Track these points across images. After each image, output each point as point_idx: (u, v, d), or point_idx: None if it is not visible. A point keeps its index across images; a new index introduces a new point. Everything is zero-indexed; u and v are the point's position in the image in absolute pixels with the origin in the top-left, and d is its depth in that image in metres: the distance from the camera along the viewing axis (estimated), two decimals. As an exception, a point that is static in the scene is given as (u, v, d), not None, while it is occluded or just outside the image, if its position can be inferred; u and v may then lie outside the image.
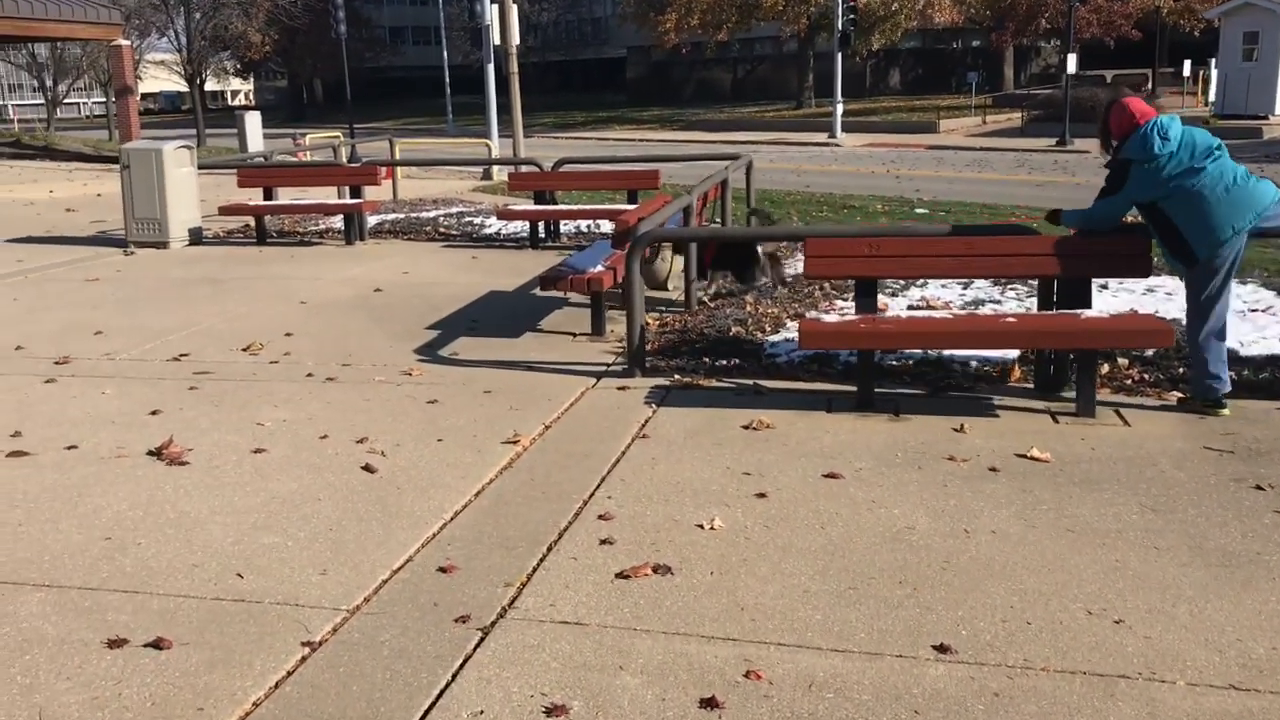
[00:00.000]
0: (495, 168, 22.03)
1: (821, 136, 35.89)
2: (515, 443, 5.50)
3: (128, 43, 27.09)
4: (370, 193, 14.16)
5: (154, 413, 6.14)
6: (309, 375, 6.97)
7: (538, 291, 9.66)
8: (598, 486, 4.88)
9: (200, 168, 13.25)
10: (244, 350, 7.67)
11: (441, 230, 13.74)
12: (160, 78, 55.28)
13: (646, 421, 5.84)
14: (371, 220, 13.67)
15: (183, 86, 48.45)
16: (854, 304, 6.25)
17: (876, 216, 14.92)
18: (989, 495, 4.71)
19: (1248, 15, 32.45)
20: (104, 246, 12.67)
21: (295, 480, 5.00)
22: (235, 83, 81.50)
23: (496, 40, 24.44)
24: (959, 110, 39.66)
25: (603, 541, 4.26)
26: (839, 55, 35.65)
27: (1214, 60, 37.97)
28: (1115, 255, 5.78)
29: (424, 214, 15.04)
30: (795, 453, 5.28)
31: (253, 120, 29.68)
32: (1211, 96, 37.65)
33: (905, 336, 5.74)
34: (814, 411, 5.94)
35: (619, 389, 6.51)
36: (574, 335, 7.97)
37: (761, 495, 4.72)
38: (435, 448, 5.44)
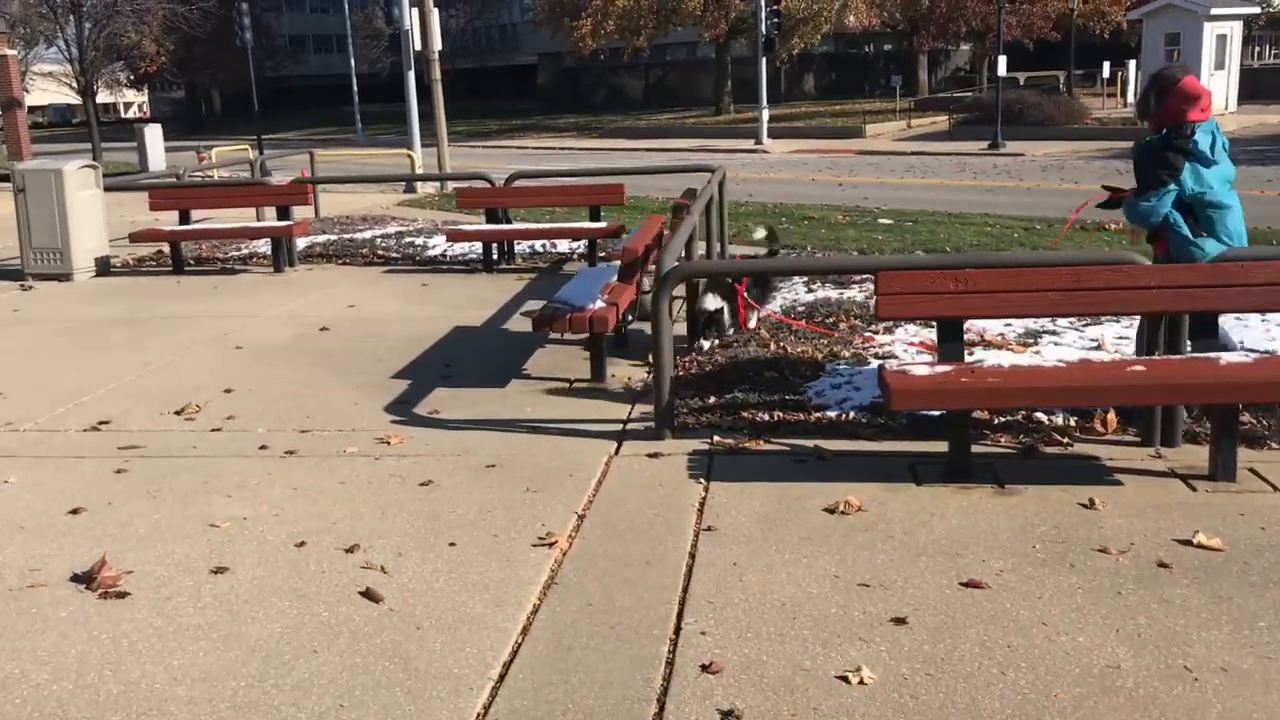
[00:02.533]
0: (421, 180, 20.59)
1: (747, 143, 35.07)
2: (549, 544, 4.33)
3: (13, 52, 25.13)
4: (295, 213, 12.78)
5: (75, 511, 4.83)
6: (262, 448, 5.71)
7: (510, 328, 8.48)
8: (680, 613, 3.75)
9: (105, 189, 11.76)
10: (177, 414, 6.36)
11: (380, 253, 12.44)
12: (49, 90, 52.47)
13: (703, 504, 4.72)
14: (300, 243, 12.31)
15: (73, 99, 45.87)
16: (937, 350, 5.21)
17: (843, 228, 13.99)
18: (1181, 607, 3.69)
19: (1169, 16, 32.50)
20: (-5, 281, 11.14)
21: (277, 619, 3.77)
22: (129, 94, 78.28)
23: (417, 46, 23.12)
24: (882, 114, 39.20)
25: (726, 716, 3.12)
26: (763, 60, 34.92)
27: (1134, 62, 38.20)
28: (1266, 286, 4.82)
29: (358, 235, 13.70)
30: (908, 548, 4.21)
31: (153, 134, 27.90)
32: (1131, 97, 37.81)
33: (1019, 394, 4.72)
34: (900, 484, 4.89)
35: (650, 456, 5.38)
36: (569, 383, 6.82)
37: (900, 621, 3.63)
38: (449, 557, 4.25)
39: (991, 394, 4.68)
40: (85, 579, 4.07)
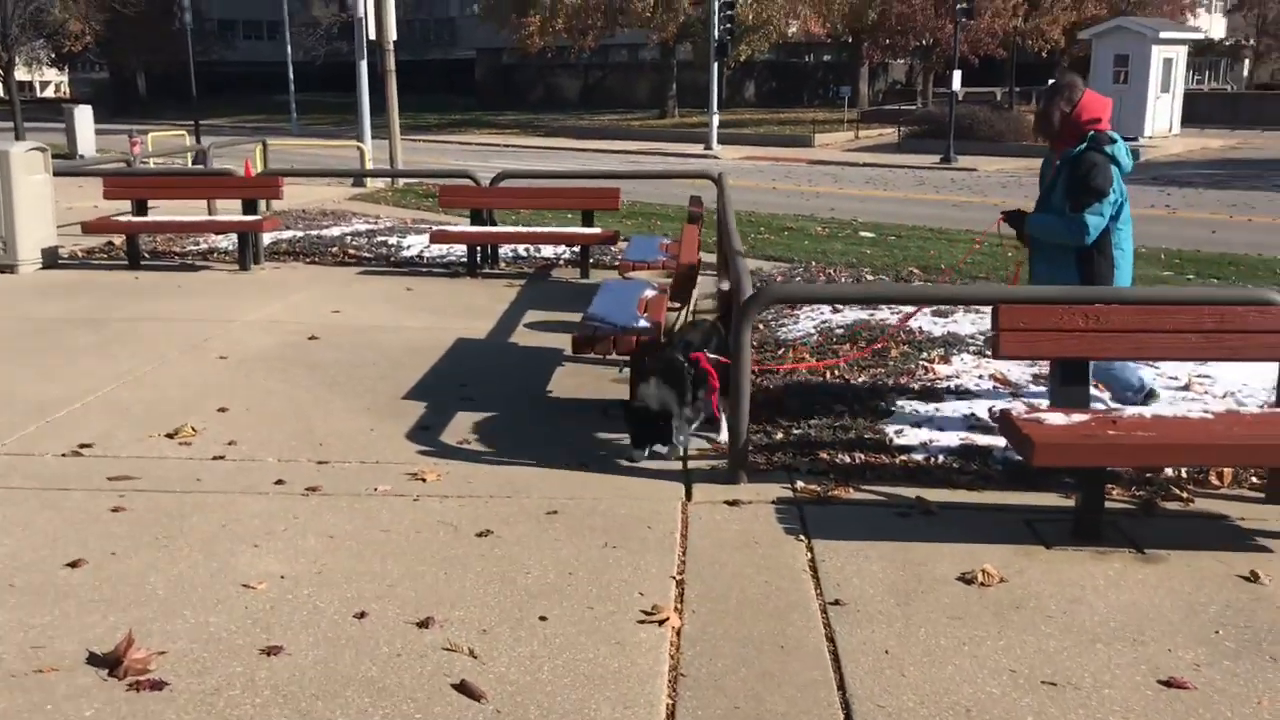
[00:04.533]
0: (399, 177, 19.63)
1: (697, 148, 34.57)
2: (659, 620, 3.68)
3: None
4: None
5: (74, 564, 4.06)
6: (279, 482, 4.97)
7: (519, 341, 7.79)
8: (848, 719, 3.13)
9: (55, 174, 10.78)
10: (170, 436, 5.58)
11: (351, 252, 11.62)
12: (-41, 67, 49.92)
13: (814, 568, 4.11)
14: (265, 239, 11.44)
15: (-12, 76, 43.72)
16: (1056, 393, 4.66)
17: (826, 241, 13.51)
18: None
19: (1118, 38, 32.70)
20: (-71, 270, 10.12)
21: (360, 721, 3.08)
22: (49, 73, 75.38)
23: (371, 35, 22.18)
24: (829, 124, 38.97)
25: None
26: (715, 65, 34.47)
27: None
28: None
29: (325, 231, 12.83)
30: (1076, 633, 3.64)
31: (83, 115, 26.57)
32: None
33: (1177, 451, 4.19)
34: (1027, 546, 4.33)
35: (729, 504, 4.75)
36: (605, 409, 6.16)
37: (1115, 733, 3.06)
38: (544, 636, 3.58)
39: (1145, 450, 4.14)
40: (108, 662, 3.32)
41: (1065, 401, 4.59)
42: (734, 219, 7.29)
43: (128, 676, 3.24)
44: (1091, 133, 5.22)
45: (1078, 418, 4.36)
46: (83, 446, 5.38)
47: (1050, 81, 5.78)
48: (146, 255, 11.15)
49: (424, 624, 3.62)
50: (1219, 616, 3.78)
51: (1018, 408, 4.66)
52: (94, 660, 3.35)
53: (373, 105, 22.91)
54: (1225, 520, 4.65)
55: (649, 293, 6.86)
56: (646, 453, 5.27)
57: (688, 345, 5.62)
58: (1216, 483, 5.02)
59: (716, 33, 33.66)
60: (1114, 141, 5.22)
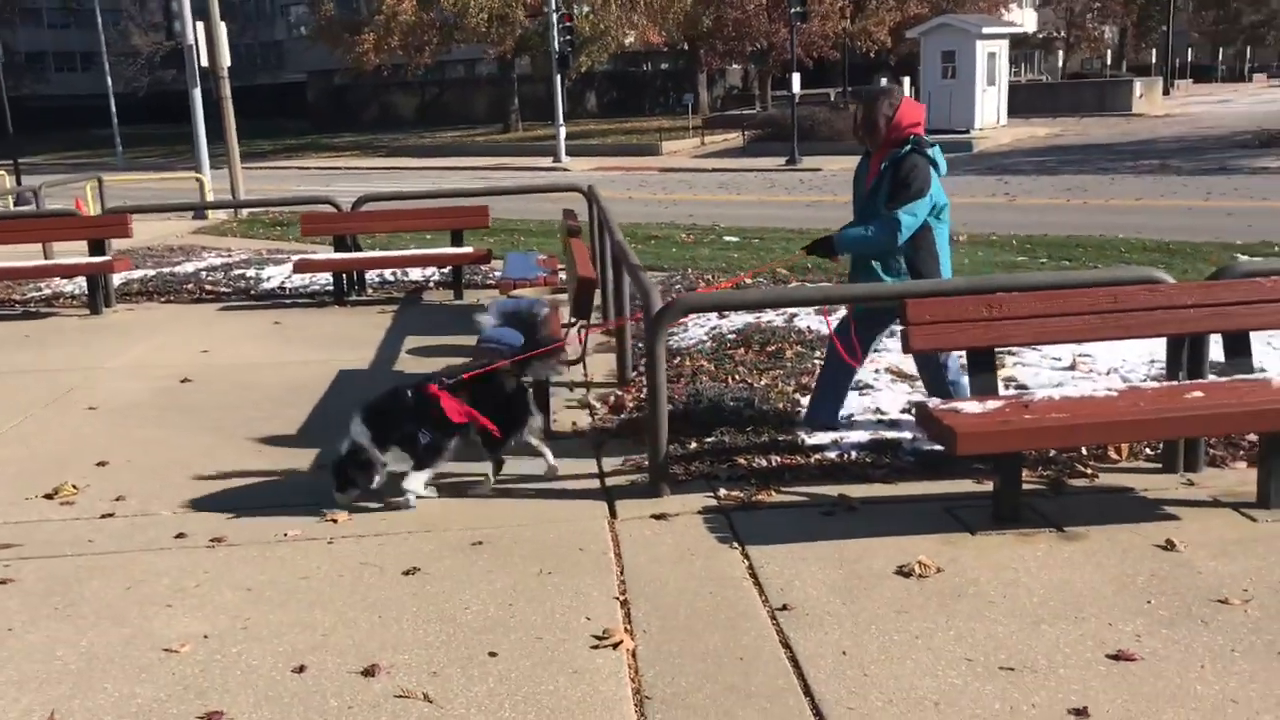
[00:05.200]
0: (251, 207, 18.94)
1: (545, 160, 34.51)
2: (611, 643, 3.60)
3: None
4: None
5: (-32, 646, 3.75)
6: (179, 536, 4.70)
7: (405, 370, 7.58)
8: (823, 725, 3.11)
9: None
10: (48, 497, 5.23)
11: (208, 288, 11.17)
12: None
13: (755, 576, 4.09)
14: (116, 279, 10.88)
15: None
16: (969, 383, 4.76)
17: (693, 248, 13.61)
18: (1354, 665, 3.33)
19: (945, 35, 34.00)
20: None
21: (324, 783, 2.90)
22: None
23: (204, 62, 21.42)
24: (675, 132, 39.40)
25: None
26: (558, 77, 34.43)
27: (907, 79, 39.82)
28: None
29: (178, 268, 12.30)
30: (1020, 616, 3.71)
31: (-109, 158, 24.81)
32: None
33: (1092, 430, 4.30)
34: (952, 534, 4.41)
35: (656, 518, 4.70)
36: (511, 433, 6.03)
37: (1081, 713, 3.11)
38: (499, 672, 3.46)
39: (1062, 432, 4.25)
40: (31, 749, 3.07)
41: (976, 390, 4.69)
42: (619, 231, 7.23)
43: (57, 762, 2.99)
44: (913, 136, 5.29)
45: (991, 405, 4.46)
46: (-47, 515, 5.00)
47: (867, 88, 5.86)
48: (-16, 304, 10.49)
49: (369, 672, 3.46)
50: (1147, 587, 3.90)
51: (933, 401, 4.73)
52: (15, 748, 3.10)
53: (207, 134, 22.15)
54: (1131, 493, 4.82)
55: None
56: (349, 495, 4.88)
57: (426, 378, 5.05)
58: (1115, 457, 5.21)
59: (557, 45, 33.65)
60: (933, 145, 5.32)
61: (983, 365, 4.71)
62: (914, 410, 4.69)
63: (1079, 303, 4.67)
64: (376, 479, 4.88)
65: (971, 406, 4.44)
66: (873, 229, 5.27)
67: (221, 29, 21.35)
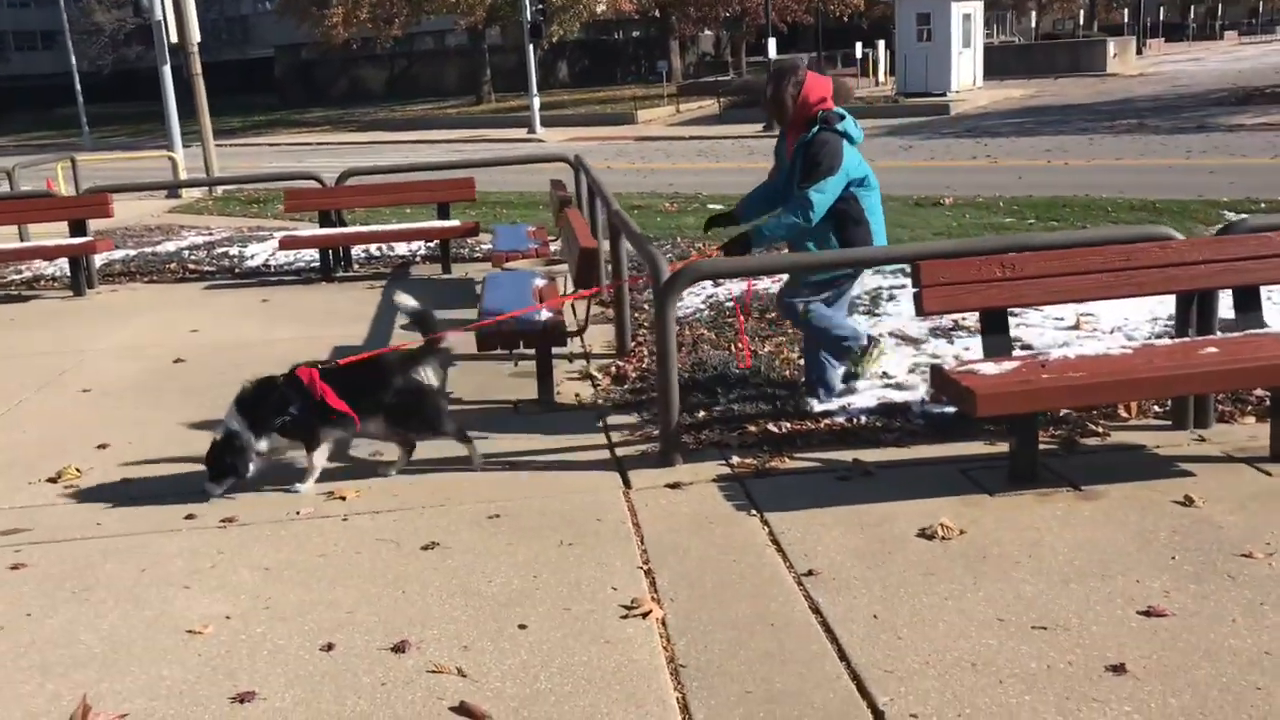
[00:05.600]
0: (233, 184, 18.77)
1: (519, 132, 34.24)
2: (640, 613, 3.58)
3: None
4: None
5: (-14, 632, 3.69)
6: (189, 517, 4.64)
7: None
8: (861, 689, 3.09)
9: None
10: (52, 481, 5.16)
11: (192, 267, 11.04)
12: None
13: (777, 543, 4.07)
14: (97, 260, 10.72)
15: None
16: (981, 345, 4.74)
17: (678, 216, 13.55)
18: (1383, 615, 3.35)
19: (919, -3, 33.86)
20: None
21: (366, 761, 2.87)
22: None
23: (173, 38, 21.09)
24: (649, 100, 39.18)
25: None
26: (530, 47, 34.13)
27: (882, 43, 39.75)
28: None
29: (159, 248, 12.15)
30: (1048, 575, 3.71)
31: None
32: (881, 77, 39.37)
33: (1112, 388, 4.30)
34: (971, 495, 4.40)
35: (670, 487, 4.68)
36: (514, 405, 6.00)
37: (1118, 669, 3.11)
38: (529, 644, 3.43)
39: (1082, 391, 4.24)
40: (65, 734, 3.02)
41: (990, 352, 4.68)
42: (615, 200, 7.17)
43: (91, 748, 2.95)
44: (821, 112, 5.21)
45: (1008, 365, 4.45)
46: (-44, 501, 4.92)
47: (777, 61, 5.75)
48: (-37, 288, 10.33)
49: (399, 648, 3.42)
50: (1170, 543, 3.91)
51: (949, 363, 4.72)
52: (47, 734, 3.05)
53: (178, 112, 21.86)
54: (1144, 450, 4.83)
55: (539, 282, 6.70)
56: (221, 488, 4.79)
57: (304, 364, 4.99)
58: (1125, 415, 5.21)
59: (529, 14, 33.36)
60: (843, 118, 5.23)
61: (997, 325, 4.70)
62: (929, 373, 4.66)
63: (1092, 261, 4.66)
64: (252, 466, 4.79)
65: (988, 367, 4.43)
66: (785, 213, 5.25)
67: (190, 4, 21.03)
